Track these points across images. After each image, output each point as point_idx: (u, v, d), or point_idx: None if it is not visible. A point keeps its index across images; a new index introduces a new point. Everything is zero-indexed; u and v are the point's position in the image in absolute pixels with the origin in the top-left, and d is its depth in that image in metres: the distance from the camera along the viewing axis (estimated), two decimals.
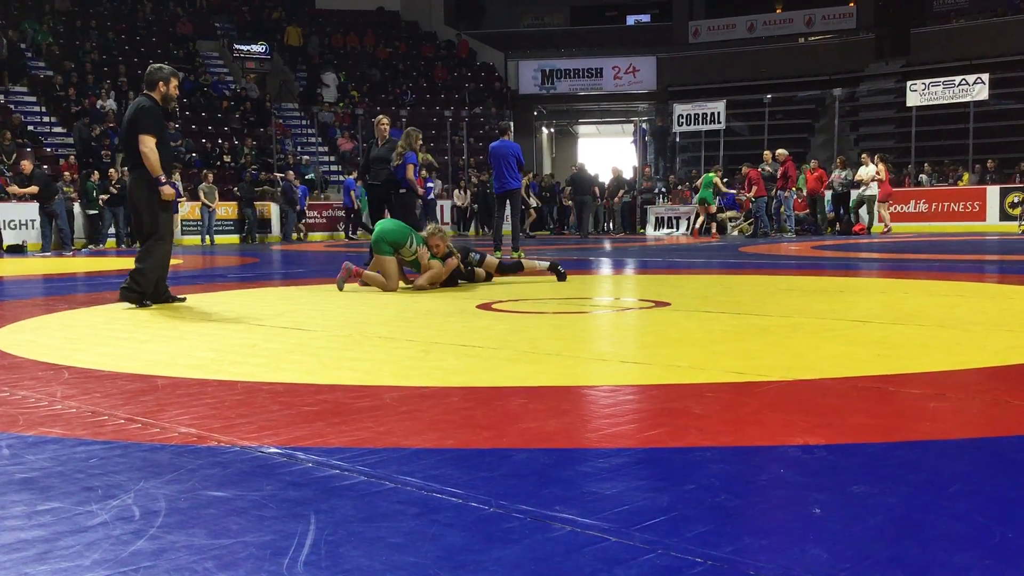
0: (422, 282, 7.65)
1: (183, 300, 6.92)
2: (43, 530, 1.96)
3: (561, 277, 8.29)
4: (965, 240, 16.46)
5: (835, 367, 3.72)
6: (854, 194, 20.76)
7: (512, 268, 8.57)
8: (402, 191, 10.08)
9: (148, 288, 6.61)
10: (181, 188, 21.32)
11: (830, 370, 3.65)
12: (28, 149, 21.81)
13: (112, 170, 20.26)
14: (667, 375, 3.64)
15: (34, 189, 17.75)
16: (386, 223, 7.92)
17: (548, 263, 8.49)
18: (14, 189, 18.11)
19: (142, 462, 2.48)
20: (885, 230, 20.02)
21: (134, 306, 6.54)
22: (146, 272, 6.57)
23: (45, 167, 19.70)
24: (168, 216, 6.71)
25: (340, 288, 7.57)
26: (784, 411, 2.99)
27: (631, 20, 37.07)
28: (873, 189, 20.52)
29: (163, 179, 6.55)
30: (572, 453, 2.54)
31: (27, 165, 18.20)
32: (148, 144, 6.47)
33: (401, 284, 7.81)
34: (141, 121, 6.52)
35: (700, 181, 22.36)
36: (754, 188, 19.81)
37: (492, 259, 8.44)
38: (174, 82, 6.75)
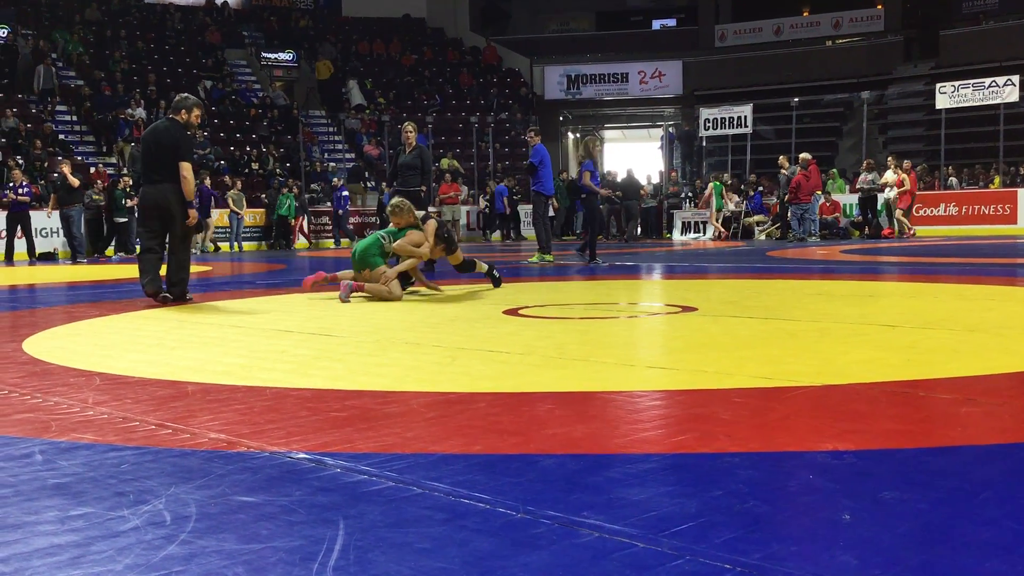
0: (408, 253, 7.50)
1: (170, 299, 7.55)
2: (76, 535, 1.98)
3: (496, 283, 8.09)
4: (996, 244, 16.29)
5: (864, 372, 3.69)
6: (881, 198, 20.62)
7: (468, 266, 8.16)
8: (583, 196, 11.87)
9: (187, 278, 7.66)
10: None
11: (859, 375, 3.62)
12: (59, 158, 22.06)
13: None
14: (694, 380, 3.63)
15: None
16: (362, 242, 7.84)
17: (488, 266, 8.20)
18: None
19: (173, 467, 2.51)
20: (907, 233, 19.90)
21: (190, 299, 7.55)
22: (187, 272, 7.67)
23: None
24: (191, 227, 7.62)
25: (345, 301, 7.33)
26: (813, 416, 2.98)
27: (657, 24, 37.00)
28: (894, 193, 20.37)
29: (195, 203, 7.55)
30: (599, 459, 2.53)
31: (67, 169, 18.39)
32: (190, 171, 7.38)
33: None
34: (183, 147, 7.42)
35: (711, 190, 22.62)
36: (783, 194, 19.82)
37: (460, 254, 8.13)
38: (196, 112, 7.60)
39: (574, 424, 2.92)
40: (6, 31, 26.22)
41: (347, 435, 2.83)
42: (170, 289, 7.55)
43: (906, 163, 20.75)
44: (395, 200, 7.93)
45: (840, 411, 3.04)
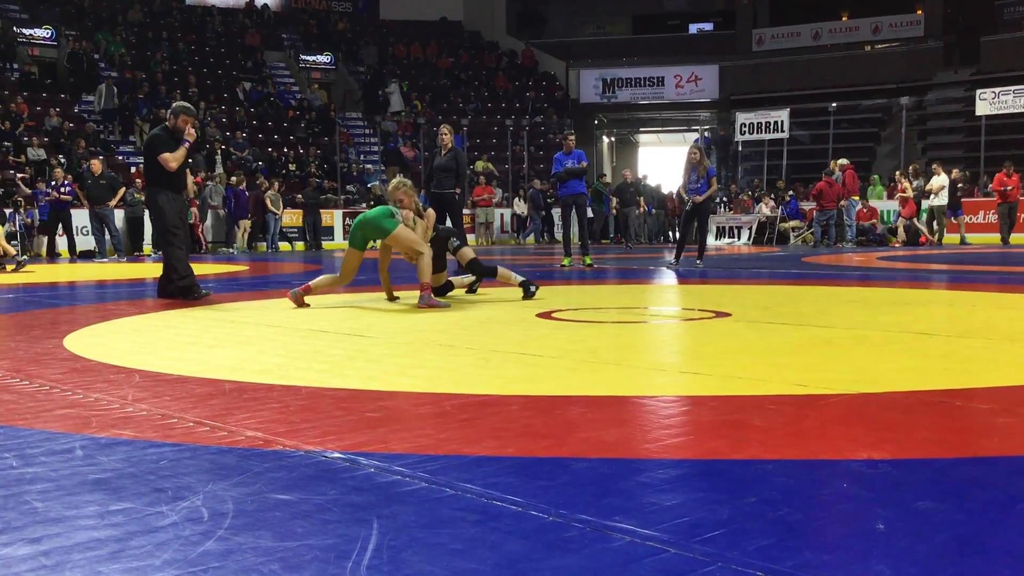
0: (421, 244, 7.01)
1: (207, 294, 7.87)
2: (115, 530, 2.02)
3: (528, 295, 7.47)
4: None
5: (901, 381, 3.66)
6: (924, 204, 20.44)
7: (485, 271, 7.70)
8: (693, 201, 12.14)
9: (186, 274, 7.80)
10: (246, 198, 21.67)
11: (896, 384, 3.59)
12: (100, 157, 22.37)
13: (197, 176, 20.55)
14: (728, 386, 3.62)
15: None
16: (368, 212, 7.48)
17: (521, 278, 7.67)
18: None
19: (210, 464, 2.54)
20: (897, 244, 19.74)
21: (196, 295, 7.73)
22: (178, 268, 7.81)
23: (114, 173, 20.06)
24: (172, 225, 7.81)
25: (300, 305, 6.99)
26: (848, 425, 2.96)
27: (694, 29, 36.85)
28: (943, 199, 20.14)
29: (186, 143, 7.83)
30: (632, 463, 2.54)
31: (96, 165, 18.62)
32: (168, 158, 7.70)
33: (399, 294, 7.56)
34: (155, 147, 7.84)
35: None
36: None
37: (467, 251, 7.74)
38: (183, 118, 7.87)
39: (607, 428, 2.93)
40: (51, 32, 26.62)
41: (381, 435, 2.85)
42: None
43: (898, 173, 20.61)
44: (397, 180, 7.49)
45: (876, 420, 3.02)
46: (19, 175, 19.02)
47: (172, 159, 7.74)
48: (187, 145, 7.84)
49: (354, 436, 2.84)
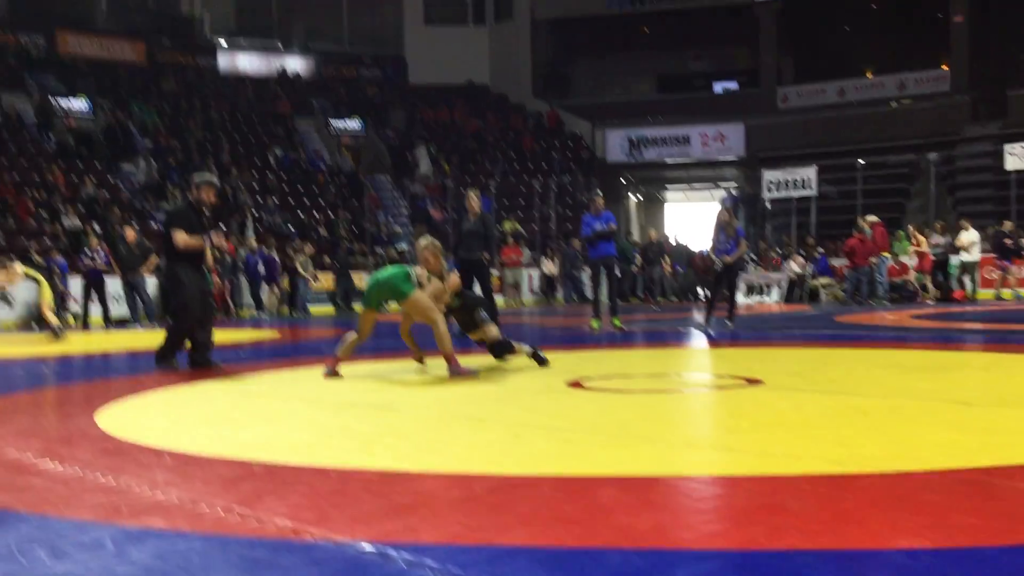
0: (435, 311, 6.93)
1: (219, 364, 7.86)
2: None
3: (541, 363, 7.25)
4: None
5: (939, 456, 3.59)
6: (954, 259, 20.24)
7: (507, 349, 7.44)
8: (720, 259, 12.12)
9: (174, 347, 7.88)
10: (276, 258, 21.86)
11: (933, 460, 3.52)
12: (134, 225, 22.69)
13: (227, 241, 20.75)
14: (762, 464, 3.56)
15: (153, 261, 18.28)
16: (384, 271, 7.39)
17: (529, 348, 7.41)
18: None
19: (239, 559, 2.52)
20: (930, 301, 19.50)
21: (164, 365, 7.81)
22: (172, 340, 7.93)
23: (147, 242, 20.27)
24: (181, 298, 7.83)
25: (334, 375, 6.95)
26: (886, 508, 2.89)
27: (718, 88, 37.07)
28: (974, 255, 19.94)
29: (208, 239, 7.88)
30: (666, 556, 2.49)
31: (131, 233, 18.83)
32: (178, 237, 7.69)
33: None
34: (170, 222, 7.98)
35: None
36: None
37: (493, 330, 7.53)
38: (205, 189, 7.92)
39: (639, 514, 2.88)
40: (87, 105, 27.17)
41: (411, 524, 2.82)
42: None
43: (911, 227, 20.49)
44: (430, 241, 7.38)
45: (915, 502, 2.95)
46: (35, 248, 19.25)
47: (182, 241, 7.67)
48: (207, 242, 7.85)
49: (383, 524, 2.81)
